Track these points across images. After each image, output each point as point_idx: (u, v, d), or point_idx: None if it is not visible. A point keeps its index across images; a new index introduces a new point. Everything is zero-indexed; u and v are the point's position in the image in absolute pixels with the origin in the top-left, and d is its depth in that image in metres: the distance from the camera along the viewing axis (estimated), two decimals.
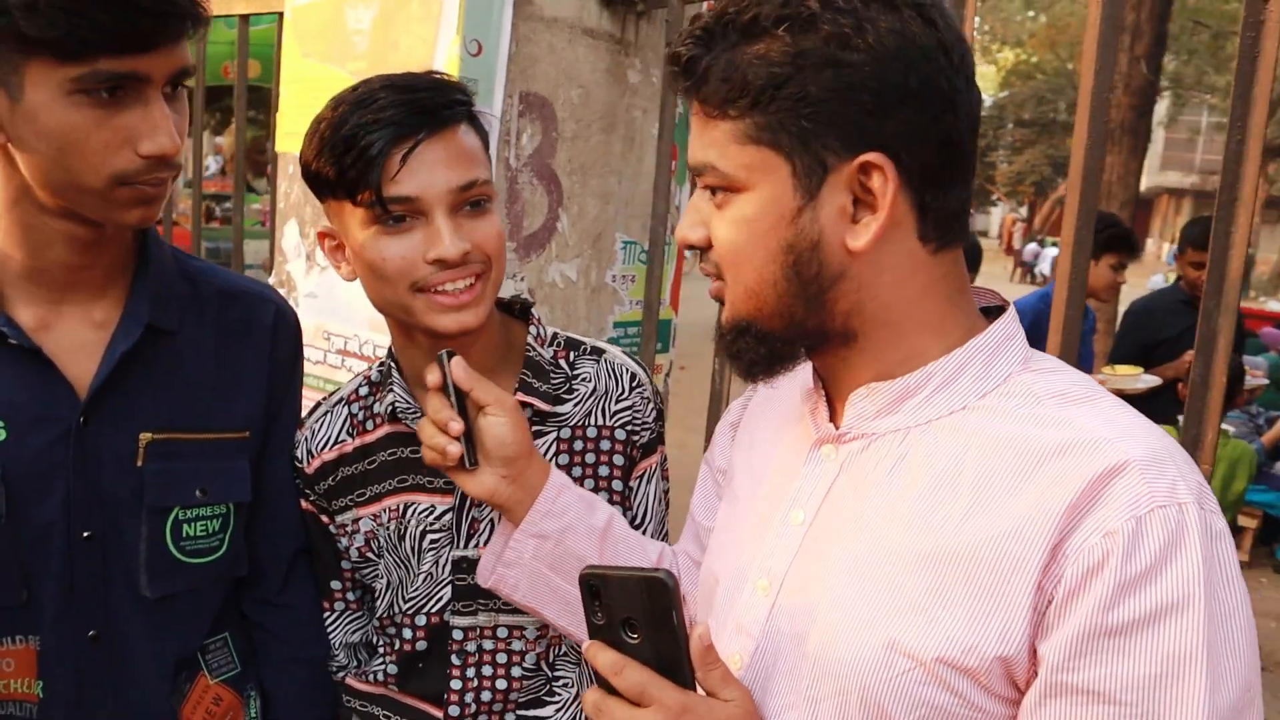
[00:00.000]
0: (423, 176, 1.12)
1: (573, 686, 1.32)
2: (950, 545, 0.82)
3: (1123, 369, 4.19)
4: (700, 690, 0.84)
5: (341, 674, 1.36)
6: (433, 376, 1.12)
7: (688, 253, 0.98)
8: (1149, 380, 4.09)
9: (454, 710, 1.28)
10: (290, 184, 2.20)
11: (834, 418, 0.96)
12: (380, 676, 1.31)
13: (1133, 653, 0.75)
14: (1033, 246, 27.23)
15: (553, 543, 1.17)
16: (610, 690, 0.84)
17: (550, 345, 1.31)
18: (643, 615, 0.83)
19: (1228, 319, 1.37)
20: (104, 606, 1.16)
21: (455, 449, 1.11)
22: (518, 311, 1.33)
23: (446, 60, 1.80)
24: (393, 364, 1.29)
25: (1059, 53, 23.17)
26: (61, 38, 0.95)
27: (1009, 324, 0.91)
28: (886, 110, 0.82)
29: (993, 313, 0.95)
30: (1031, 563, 0.78)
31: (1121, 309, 5.21)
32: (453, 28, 1.80)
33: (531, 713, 1.30)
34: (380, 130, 1.11)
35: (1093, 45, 1.43)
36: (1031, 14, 24.71)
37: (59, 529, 1.13)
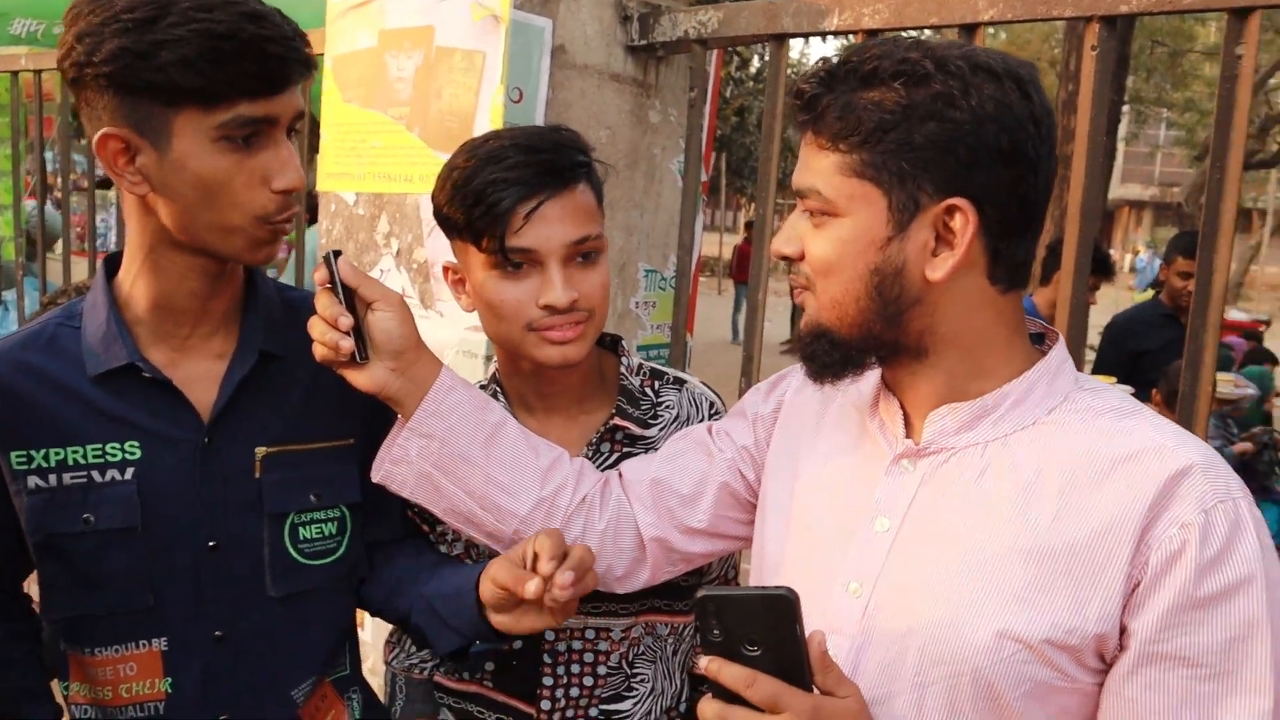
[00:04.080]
0: (542, 231, 1.26)
1: (649, 682, 1.45)
2: (1046, 543, 0.95)
3: (1098, 379, 4.39)
4: (816, 691, 0.92)
5: (429, 670, 1.49)
6: (319, 274, 1.19)
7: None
8: (1121, 390, 4.30)
9: (545, 705, 1.41)
10: (333, 221, 2.34)
11: (907, 434, 1.08)
12: (476, 673, 1.45)
13: (1211, 622, 0.90)
14: None
15: (438, 443, 1.23)
16: (729, 700, 0.90)
17: (638, 375, 1.45)
18: (764, 629, 0.89)
19: (1212, 335, 1.54)
20: (229, 609, 1.28)
21: (347, 343, 1.16)
22: (608, 344, 1.48)
23: (490, 107, 1.95)
24: (498, 387, 1.43)
25: None
26: (208, 85, 1.08)
27: (1062, 349, 1.06)
28: (978, 164, 0.94)
29: (1035, 339, 1.09)
30: (1123, 553, 0.92)
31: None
32: (496, 77, 1.95)
33: (613, 707, 1.44)
34: (508, 189, 1.24)
35: (1089, 89, 1.61)
36: (991, 31, 25.20)
37: (186, 539, 1.25)
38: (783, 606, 0.89)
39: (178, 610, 1.26)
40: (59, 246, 4.12)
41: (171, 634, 1.27)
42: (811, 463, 1.19)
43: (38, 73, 3.67)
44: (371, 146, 2.21)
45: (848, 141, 0.97)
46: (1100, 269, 4.20)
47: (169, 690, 1.27)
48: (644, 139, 2.25)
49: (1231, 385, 5.75)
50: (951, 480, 1.03)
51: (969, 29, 1.68)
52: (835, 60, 1.00)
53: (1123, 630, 0.93)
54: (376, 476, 1.28)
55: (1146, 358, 4.33)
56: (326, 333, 1.17)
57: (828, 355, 1.04)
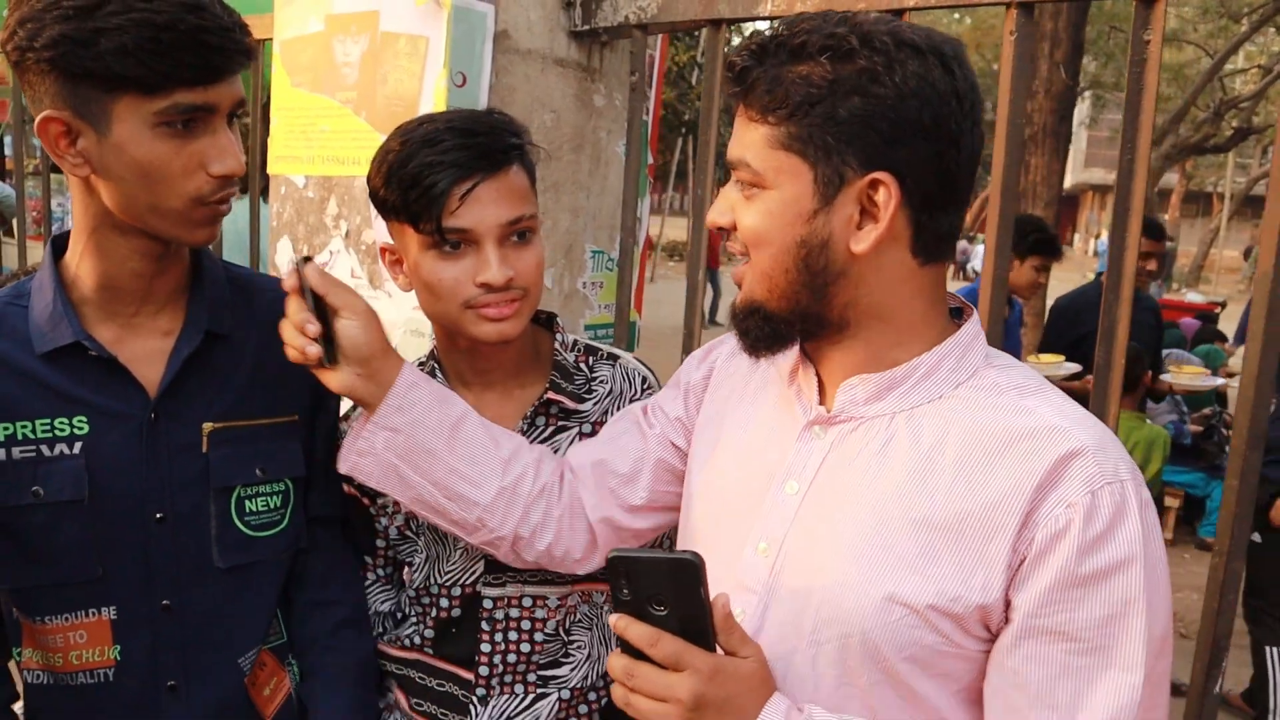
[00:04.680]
0: (477, 212, 1.30)
1: (585, 648, 1.51)
2: (939, 513, 0.99)
3: (1046, 357, 4.51)
4: (720, 650, 0.96)
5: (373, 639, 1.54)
6: (289, 281, 1.24)
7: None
8: (1069, 368, 4.41)
9: (484, 670, 1.46)
10: (283, 204, 2.37)
11: (822, 401, 1.12)
12: (416, 640, 1.50)
13: (1091, 599, 0.93)
14: (962, 244, 27.97)
15: (403, 436, 1.27)
16: (637, 657, 0.94)
17: (572, 351, 1.50)
18: (670, 591, 0.93)
19: (1125, 309, 1.61)
20: (176, 580, 1.32)
21: (314, 349, 1.22)
22: (543, 321, 1.52)
23: (434, 92, 1.99)
24: (435, 364, 1.47)
25: (984, 54, 23.80)
26: (147, 74, 1.11)
27: (975, 325, 1.09)
28: (900, 139, 0.97)
29: (954, 313, 1.13)
30: (1009, 528, 0.95)
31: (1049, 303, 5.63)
32: (440, 62, 1.98)
33: (550, 672, 1.49)
34: (444, 171, 1.29)
35: (1008, 72, 1.67)
36: (956, 16, 25.33)
37: (134, 512, 1.29)
38: (688, 571, 0.92)
39: (126, 581, 1.31)
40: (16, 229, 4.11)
41: (120, 604, 1.31)
42: (733, 427, 1.23)
43: None
44: (320, 130, 2.24)
45: (776, 114, 1.00)
46: (1048, 250, 4.29)
47: (118, 658, 1.32)
48: (589, 122, 2.29)
49: (1200, 377, 5.89)
50: (858, 448, 1.07)
51: (896, 15, 1.74)
52: (767, 34, 1.02)
53: (1008, 604, 0.97)
54: (344, 468, 1.33)
55: (1088, 339, 4.43)
56: (295, 337, 1.23)
57: (760, 329, 1.08)
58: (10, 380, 1.25)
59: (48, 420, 1.25)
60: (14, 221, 4.90)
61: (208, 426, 1.33)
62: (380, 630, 1.54)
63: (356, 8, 2.13)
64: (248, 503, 1.36)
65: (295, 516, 1.42)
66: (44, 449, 1.25)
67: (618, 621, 0.94)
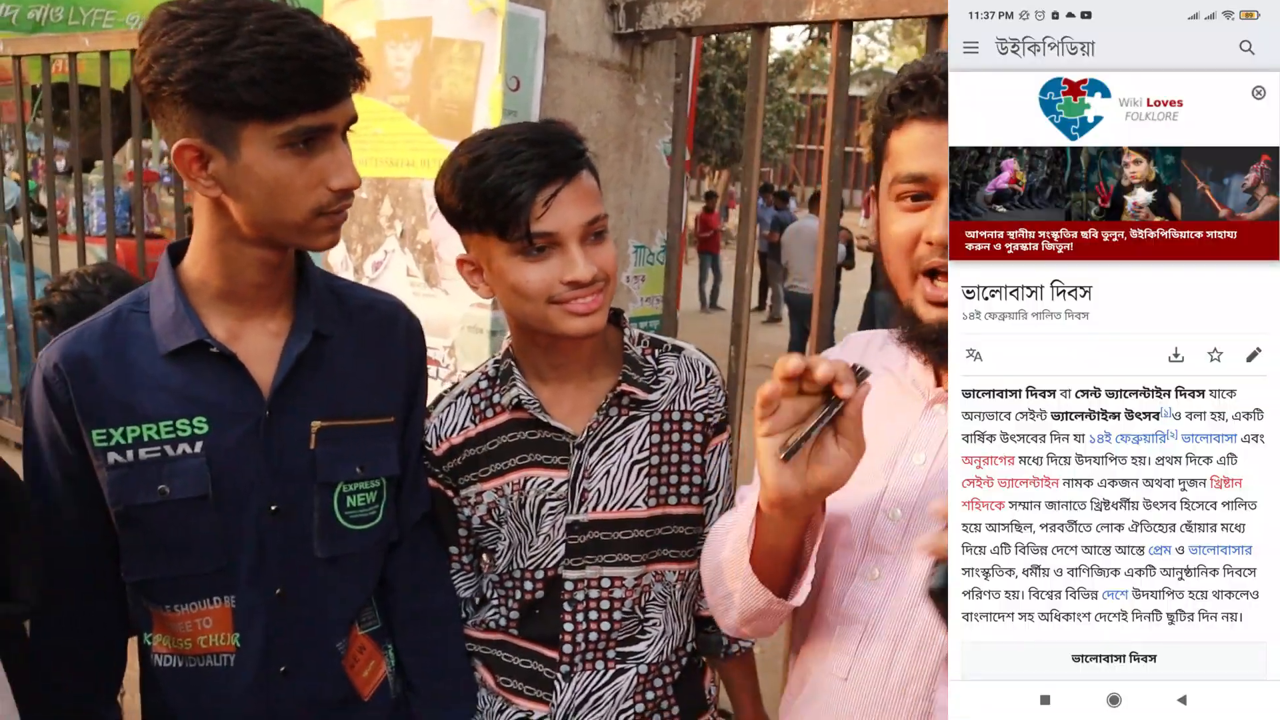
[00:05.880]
0: (559, 215, 1.39)
1: (660, 625, 1.60)
2: None
3: None
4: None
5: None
6: (845, 372, 1.04)
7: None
8: None
9: (567, 649, 1.56)
10: None
11: (939, 384, 1.21)
12: (501, 622, 1.59)
13: None
14: None
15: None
16: None
17: (639, 344, 1.59)
18: None
19: None
20: (287, 569, 1.41)
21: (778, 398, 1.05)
22: (611, 317, 1.61)
23: (490, 96, 2.07)
24: (512, 362, 1.56)
25: None
26: (272, 102, 1.20)
27: None
28: None
29: None
30: None
31: None
32: (495, 67, 2.06)
33: (628, 649, 1.58)
34: (527, 181, 1.38)
35: None
36: None
37: (252, 504, 1.38)
38: None
39: (244, 570, 1.39)
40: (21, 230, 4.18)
41: (239, 592, 1.40)
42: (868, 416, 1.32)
43: (17, 58, 3.72)
44: (373, 133, 2.31)
45: None
46: None
47: (238, 644, 1.41)
48: (631, 121, 2.37)
49: None
50: None
51: (937, 20, 1.81)
52: None
53: None
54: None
55: None
56: (778, 376, 1.05)
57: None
58: (138, 384, 1.33)
59: (170, 421, 1.34)
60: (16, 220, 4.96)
61: (316, 424, 1.41)
62: (464, 616, 1.63)
63: (408, 14, 2.21)
64: (349, 498, 1.45)
65: (388, 512, 1.50)
66: (168, 449, 1.34)
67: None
